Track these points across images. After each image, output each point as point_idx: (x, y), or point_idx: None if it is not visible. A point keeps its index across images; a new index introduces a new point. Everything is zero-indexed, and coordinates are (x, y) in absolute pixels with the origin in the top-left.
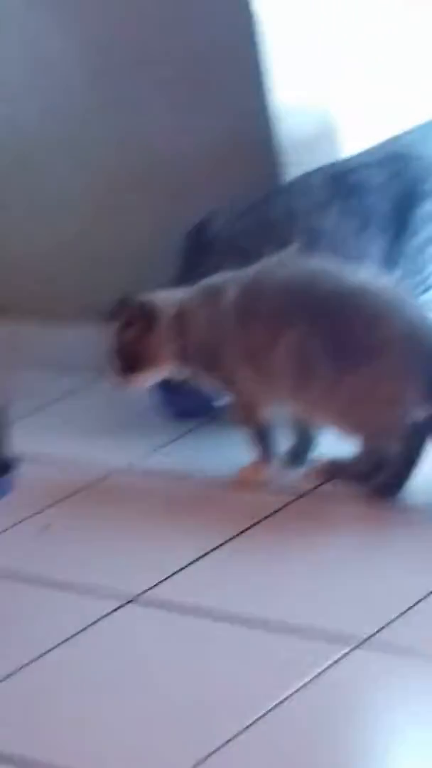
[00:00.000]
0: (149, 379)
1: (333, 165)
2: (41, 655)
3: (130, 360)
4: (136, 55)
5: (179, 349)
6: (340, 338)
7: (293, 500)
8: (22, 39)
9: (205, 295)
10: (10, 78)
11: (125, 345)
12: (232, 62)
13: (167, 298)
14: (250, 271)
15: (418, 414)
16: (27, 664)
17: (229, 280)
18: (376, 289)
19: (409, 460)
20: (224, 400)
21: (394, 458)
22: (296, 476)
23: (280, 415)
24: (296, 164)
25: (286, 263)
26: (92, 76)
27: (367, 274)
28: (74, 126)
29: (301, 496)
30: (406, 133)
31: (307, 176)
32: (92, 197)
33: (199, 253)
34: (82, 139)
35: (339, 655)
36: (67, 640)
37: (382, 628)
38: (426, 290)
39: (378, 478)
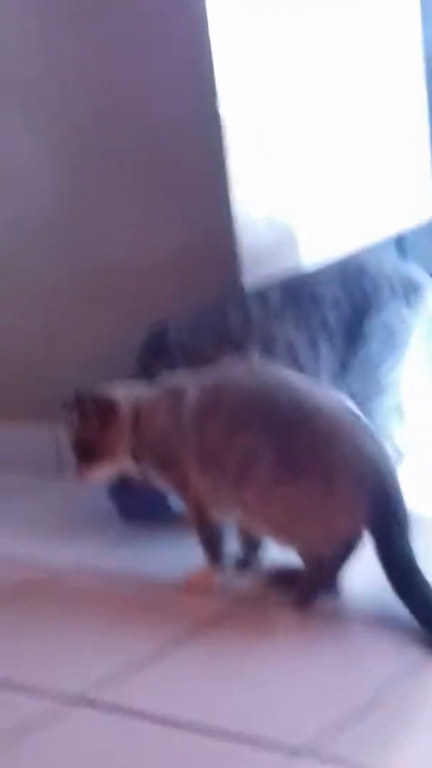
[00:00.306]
0: (105, 471)
1: (290, 277)
2: None
3: (86, 452)
4: (100, 166)
5: (134, 445)
6: (287, 450)
7: (237, 606)
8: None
9: (166, 395)
10: None
11: (81, 437)
12: (196, 173)
13: (126, 393)
14: (211, 373)
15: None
16: None
17: (189, 382)
18: (331, 407)
19: (332, 568)
20: (177, 501)
21: (317, 565)
22: (243, 582)
23: (230, 521)
24: (255, 273)
25: (247, 370)
26: (57, 184)
27: (324, 391)
28: (37, 232)
29: (245, 602)
30: (361, 250)
31: (264, 286)
32: (49, 301)
33: (155, 360)
34: (44, 245)
35: (284, 761)
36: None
37: (318, 736)
38: (378, 395)
39: (300, 584)
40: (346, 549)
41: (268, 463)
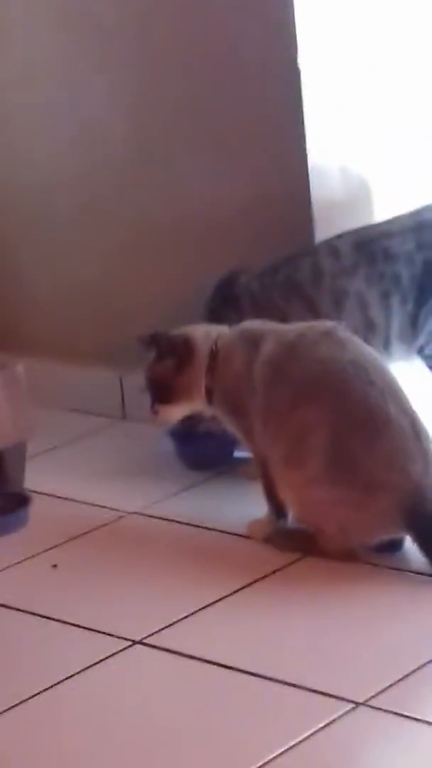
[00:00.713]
0: (179, 411)
1: (362, 230)
2: (45, 689)
3: (161, 391)
4: (176, 111)
5: (209, 386)
6: (342, 447)
7: (300, 557)
8: (69, 96)
9: (243, 340)
10: (54, 131)
11: (157, 375)
12: (270, 124)
13: (203, 333)
14: (291, 331)
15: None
16: (31, 697)
17: (268, 332)
18: (398, 416)
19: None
20: (242, 450)
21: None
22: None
23: None
24: (327, 224)
25: (329, 337)
26: (132, 130)
27: (395, 384)
28: (109, 182)
29: (307, 555)
30: None
31: (336, 239)
32: (120, 250)
33: (223, 306)
34: (116, 194)
35: (340, 713)
36: (71, 676)
37: (381, 691)
38: None
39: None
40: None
41: (319, 457)
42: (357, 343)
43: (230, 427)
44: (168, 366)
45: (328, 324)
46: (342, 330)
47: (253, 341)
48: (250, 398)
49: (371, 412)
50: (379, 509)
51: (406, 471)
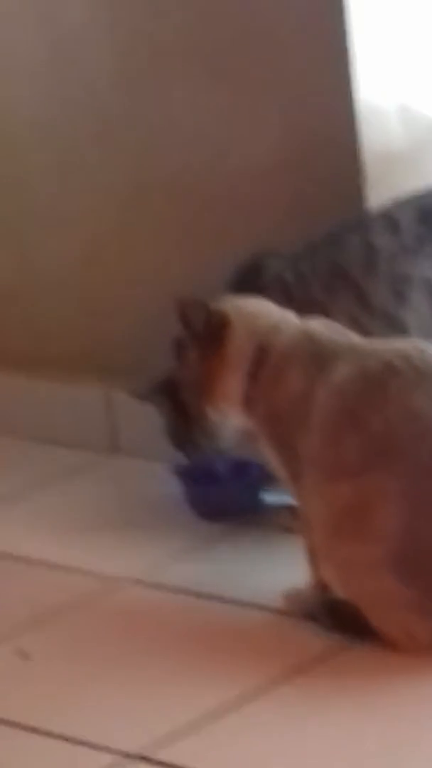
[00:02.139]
0: (220, 413)
1: (429, 194)
2: None
3: (193, 384)
4: (176, 32)
5: (249, 391)
6: (424, 538)
7: (353, 642)
8: (51, 34)
9: (310, 353)
10: (17, 56)
11: (185, 373)
12: (310, 46)
13: (252, 316)
14: (374, 355)
15: None
16: None
17: (344, 349)
18: None
19: None
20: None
21: None
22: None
23: None
24: (383, 188)
25: (430, 382)
26: (118, 56)
27: None
28: (93, 127)
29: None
30: None
31: (395, 208)
32: (106, 215)
33: None
34: (102, 144)
35: None
36: None
37: None
38: None
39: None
40: None
41: (386, 542)
42: None
43: (271, 458)
44: (194, 353)
45: (423, 348)
46: None
47: (321, 357)
48: (303, 433)
49: None
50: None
51: None
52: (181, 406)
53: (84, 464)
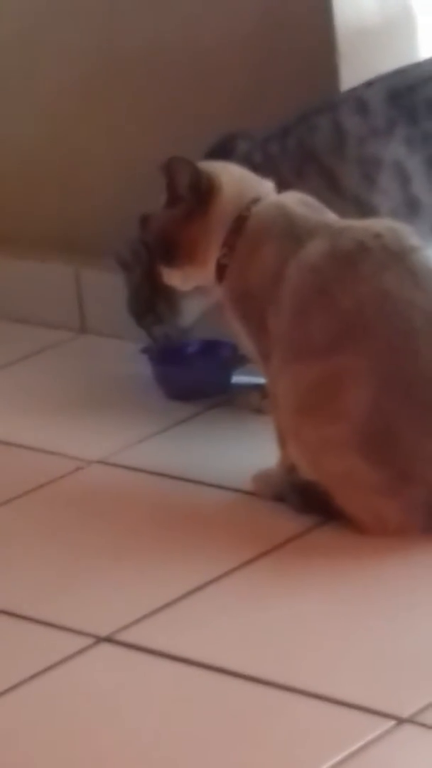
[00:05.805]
0: (185, 280)
1: (400, 74)
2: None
3: (165, 247)
4: None
5: (221, 263)
6: (390, 420)
7: (323, 522)
8: None
9: (285, 227)
10: None
11: (162, 225)
12: None
13: (238, 184)
14: (347, 233)
15: None
16: None
17: (319, 225)
18: None
19: None
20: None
21: None
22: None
23: None
24: (357, 63)
25: (402, 265)
26: None
27: None
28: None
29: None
30: None
31: (365, 89)
32: (75, 86)
33: None
34: (71, 7)
35: (379, 732)
36: (19, 684)
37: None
38: None
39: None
40: None
41: (352, 422)
42: None
43: (240, 334)
44: (176, 214)
45: (396, 228)
46: (418, 251)
47: (295, 234)
48: (274, 311)
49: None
50: (407, 503)
51: None
52: (152, 275)
53: (53, 343)
